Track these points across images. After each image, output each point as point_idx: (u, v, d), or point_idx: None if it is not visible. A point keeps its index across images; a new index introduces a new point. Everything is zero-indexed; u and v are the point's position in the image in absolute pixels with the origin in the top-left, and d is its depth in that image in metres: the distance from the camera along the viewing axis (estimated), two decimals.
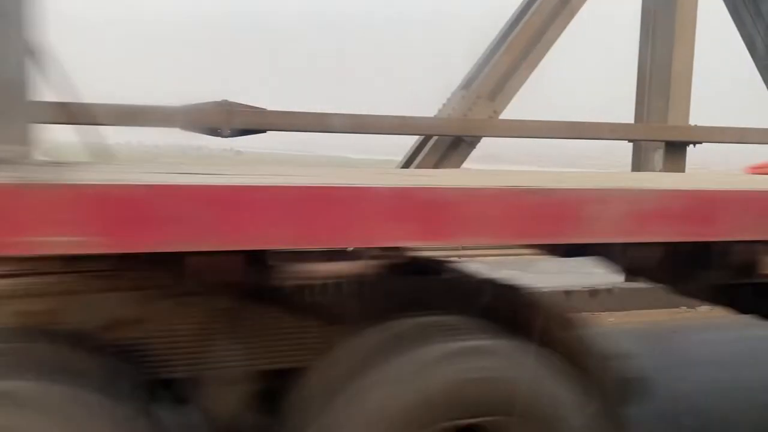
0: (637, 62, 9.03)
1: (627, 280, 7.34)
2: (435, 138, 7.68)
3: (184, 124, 6.59)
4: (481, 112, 7.72)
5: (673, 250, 2.77)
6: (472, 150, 7.87)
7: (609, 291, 8.06)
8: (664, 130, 8.49)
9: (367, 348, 2.52)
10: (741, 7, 9.39)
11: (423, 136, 7.83)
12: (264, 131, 6.62)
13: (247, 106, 6.36)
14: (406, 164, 7.86)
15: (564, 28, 7.90)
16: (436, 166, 7.72)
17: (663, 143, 8.60)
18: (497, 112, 7.80)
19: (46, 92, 3.98)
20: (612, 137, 8.63)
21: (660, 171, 8.67)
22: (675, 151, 8.60)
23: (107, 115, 5.96)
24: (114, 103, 6.41)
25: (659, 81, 8.65)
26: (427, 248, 2.62)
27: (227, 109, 6.15)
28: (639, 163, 9.08)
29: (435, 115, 7.84)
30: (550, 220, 2.43)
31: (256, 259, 2.32)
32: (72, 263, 2.44)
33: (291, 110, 6.76)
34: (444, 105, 7.97)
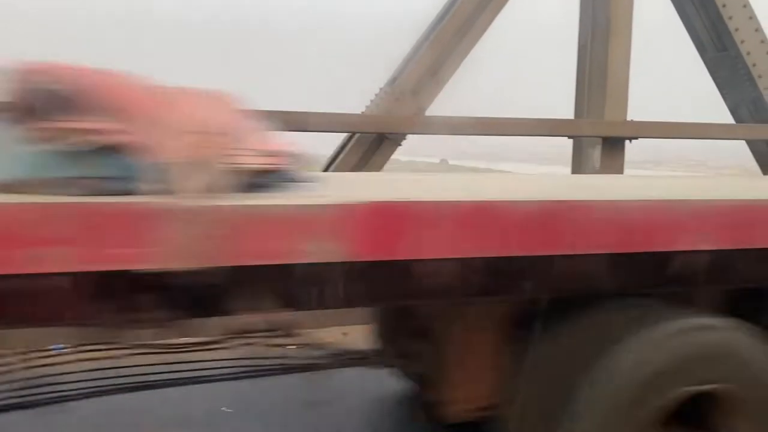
0: (577, 57, 8.88)
1: None
2: (357, 136, 7.52)
3: None
4: (406, 108, 7.57)
5: None
6: (396, 148, 7.72)
7: None
8: (595, 125, 8.33)
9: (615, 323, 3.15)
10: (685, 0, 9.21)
11: (348, 134, 7.68)
12: None
13: None
14: (329, 164, 7.70)
15: (489, 23, 7.75)
16: (358, 165, 7.57)
17: (600, 140, 8.44)
18: (423, 109, 7.64)
19: None
20: (546, 134, 8.47)
21: (598, 168, 8.53)
22: (612, 147, 8.43)
23: None
24: None
25: (597, 76, 8.49)
26: None
27: None
28: (580, 161, 8.93)
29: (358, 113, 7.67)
30: None
31: None
32: None
33: None
34: (371, 102, 7.81)
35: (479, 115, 8.07)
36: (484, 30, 7.77)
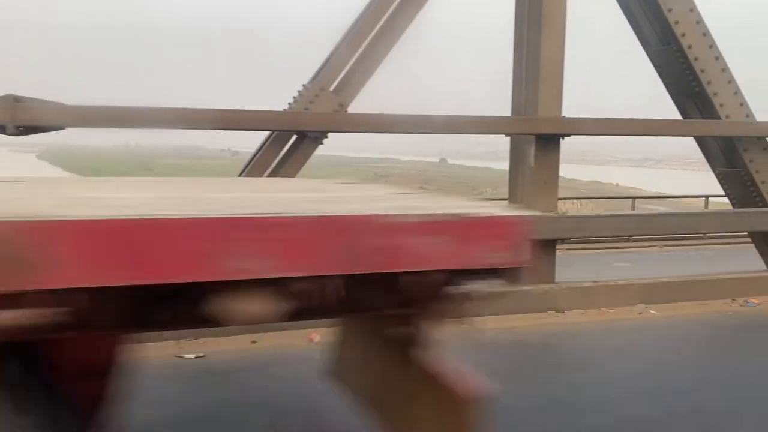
0: (513, 55, 8.67)
1: None
2: (274, 135, 7.33)
3: None
4: (326, 105, 7.37)
5: None
6: (317, 146, 7.52)
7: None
8: (524, 122, 8.12)
9: None
10: None
11: (270, 133, 7.49)
12: (61, 128, 6.27)
13: (39, 100, 5.99)
14: (248, 164, 7.51)
15: (409, 22, 7.55)
16: (278, 164, 7.39)
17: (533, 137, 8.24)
18: (343, 106, 7.44)
19: None
20: (477, 131, 8.28)
21: (533, 166, 8.33)
22: (546, 144, 8.22)
23: None
24: None
25: (532, 73, 8.27)
26: None
27: (11, 104, 5.78)
28: (517, 159, 8.72)
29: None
30: None
31: None
32: None
33: (93, 105, 6.42)
34: (293, 99, 7.61)
35: (407, 113, 7.85)
36: (403, 29, 7.57)
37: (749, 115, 9.03)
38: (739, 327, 7.70)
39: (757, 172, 9.21)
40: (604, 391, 5.56)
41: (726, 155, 9.45)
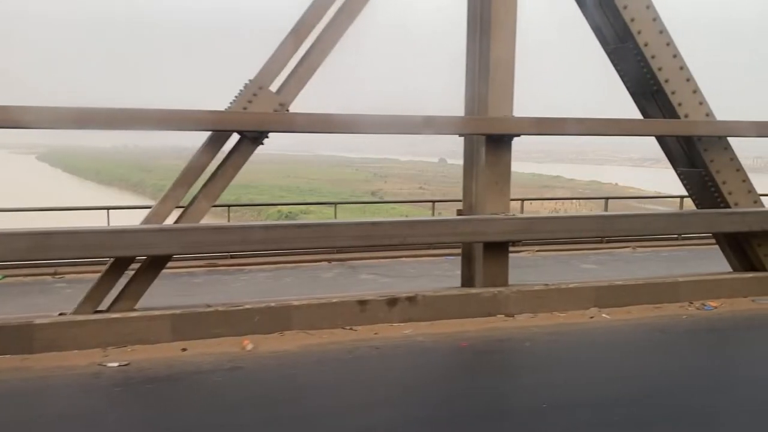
0: (465, 55, 8.50)
1: None
2: (211, 134, 7.15)
3: None
4: (265, 105, 7.19)
5: None
6: (256, 147, 7.34)
7: (412, 299, 7.49)
8: (475, 122, 7.95)
9: None
10: None
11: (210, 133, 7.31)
12: None
13: None
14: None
15: (351, 21, 7.37)
16: (219, 164, 7.22)
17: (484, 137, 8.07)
18: (284, 105, 7.26)
19: None
20: (428, 132, 8.07)
21: (483, 166, 8.16)
22: (496, 144, 8.04)
23: None
24: None
25: (483, 73, 8.10)
26: None
27: None
28: (471, 158, 8.54)
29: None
30: None
31: None
32: None
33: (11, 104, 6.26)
34: (234, 99, 7.43)
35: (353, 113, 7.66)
36: (343, 30, 7.39)
37: (709, 114, 8.83)
38: (691, 331, 7.49)
39: (717, 172, 9.01)
40: (526, 400, 5.38)
41: (687, 155, 9.25)
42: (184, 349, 6.48)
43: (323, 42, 7.36)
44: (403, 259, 12.25)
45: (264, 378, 5.81)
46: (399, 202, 47.69)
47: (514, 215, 7.97)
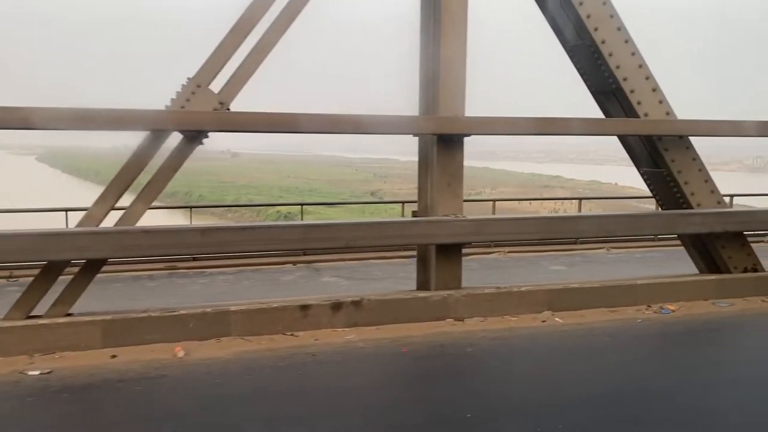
0: (419, 54, 8.33)
1: None
2: (148, 134, 6.98)
3: None
4: (204, 104, 7.02)
5: None
6: (195, 146, 7.17)
7: (357, 303, 7.31)
8: (426, 121, 7.78)
9: None
10: None
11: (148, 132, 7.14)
12: None
13: None
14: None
15: (289, 22, 7.20)
16: (162, 165, 7.06)
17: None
18: (224, 104, 7.10)
19: None
20: (378, 131, 7.90)
21: (435, 165, 7.99)
22: (448, 144, 7.87)
23: None
24: None
25: (435, 72, 7.93)
26: None
27: None
28: (426, 159, 8.36)
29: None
30: None
31: None
32: None
33: None
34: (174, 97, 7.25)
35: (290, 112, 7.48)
36: (284, 28, 7.22)
37: (669, 113, 8.65)
38: (641, 336, 7.31)
39: (679, 172, 8.83)
40: (449, 410, 5.20)
41: (650, 155, 9.06)
42: (113, 356, 6.31)
43: (264, 41, 7.19)
44: (372, 261, 12.08)
45: (187, 387, 5.64)
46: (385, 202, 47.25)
47: (464, 217, 7.78)
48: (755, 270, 9.26)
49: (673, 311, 8.16)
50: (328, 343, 6.81)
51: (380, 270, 11.34)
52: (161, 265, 10.97)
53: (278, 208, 47.10)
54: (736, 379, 5.98)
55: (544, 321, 7.71)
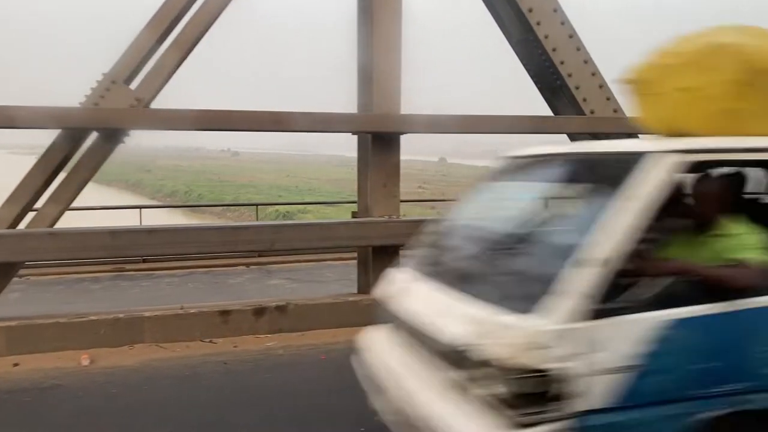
0: (356, 51, 8.09)
1: None
2: (61, 133, 6.74)
3: None
4: (119, 100, 6.77)
5: None
6: (114, 145, 6.92)
7: (282, 308, 7.06)
8: (359, 119, 7.55)
9: None
10: None
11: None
12: None
13: None
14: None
15: (211, 20, 6.96)
16: (61, 165, 6.80)
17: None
18: (141, 101, 6.84)
19: None
20: (311, 129, 7.65)
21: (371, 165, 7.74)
22: (382, 143, 7.62)
23: None
24: None
25: (370, 69, 7.68)
26: None
27: None
28: (365, 158, 8.13)
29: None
30: None
31: None
32: None
33: None
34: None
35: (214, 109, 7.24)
36: (208, 23, 6.98)
37: (618, 110, 8.36)
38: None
39: None
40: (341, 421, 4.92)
41: None
42: (15, 365, 6.06)
43: (183, 37, 6.95)
44: (329, 261, 11.81)
45: (77, 398, 5.36)
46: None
47: (398, 218, 7.52)
48: None
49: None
50: (246, 350, 6.55)
51: (333, 272, 11.05)
52: (109, 267, 10.73)
53: (277, 207, 46.89)
54: None
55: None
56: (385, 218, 7.51)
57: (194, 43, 7.01)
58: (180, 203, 56.03)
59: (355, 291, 8.16)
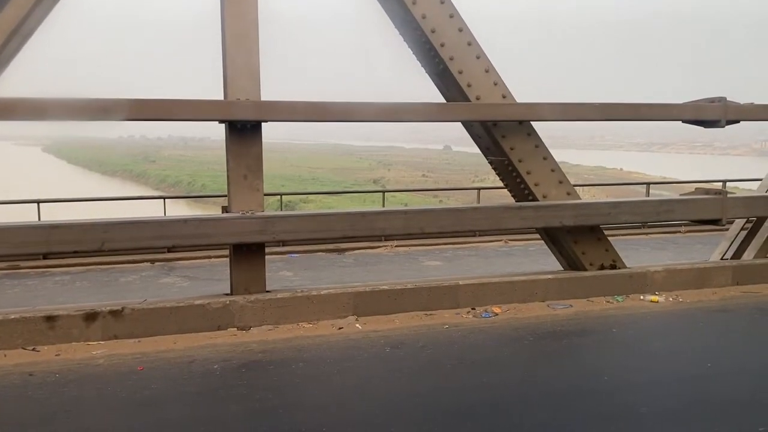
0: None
1: None
2: None
3: None
4: None
5: None
6: None
7: (117, 313, 6.55)
8: (211, 106, 6.97)
9: None
10: None
11: None
12: None
13: None
14: None
15: (44, 13, 6.47)
16: None
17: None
18: None
19: None
20: (185, 118, 7.11)
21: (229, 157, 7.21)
22: (240, 132, 7.08)
23: None
24: None
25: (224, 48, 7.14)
26: None
27: None
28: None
29: None
30: None
31: None
32: None
33: None
34: None
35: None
36: (46, 12, 6.49)
37: (506, 95, 7.79)
38: (439, 345, 6.45)
39: (520, 161, 7.98)
40: None
41: (493, 143, 8.19)
42: None
43: (24, 29, 6.46)
44: None
45: None
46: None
47: (251, 214, 6.98)
48: (613, 267, 8.41)
49: (497, 314, 7.33)
50: (68, 359, 6.06)
51: None
52: (3, 265, 10.31)
53: (278, 197, 46.34)
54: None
55: (341, 328, 6.93)
56: (239, 213, 6.99)
57: (30, 34, 6.52)
58: (183, 194, 55.96)
59: (229, 291, 7.67)
